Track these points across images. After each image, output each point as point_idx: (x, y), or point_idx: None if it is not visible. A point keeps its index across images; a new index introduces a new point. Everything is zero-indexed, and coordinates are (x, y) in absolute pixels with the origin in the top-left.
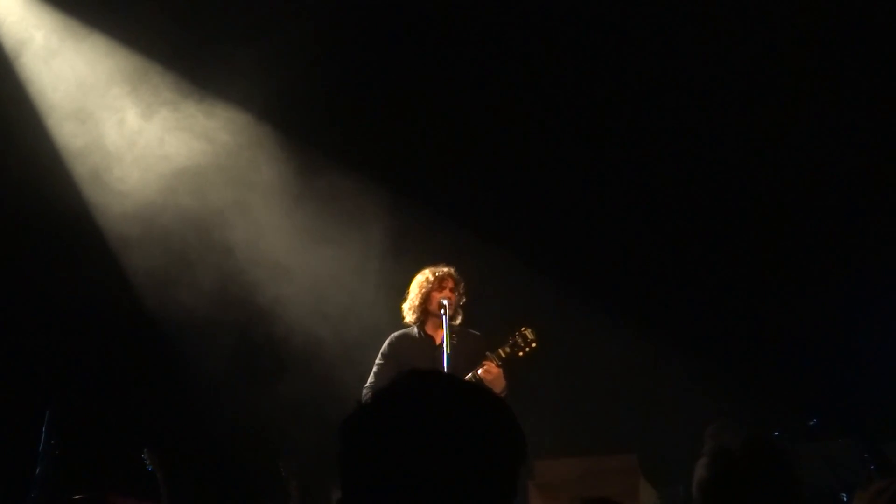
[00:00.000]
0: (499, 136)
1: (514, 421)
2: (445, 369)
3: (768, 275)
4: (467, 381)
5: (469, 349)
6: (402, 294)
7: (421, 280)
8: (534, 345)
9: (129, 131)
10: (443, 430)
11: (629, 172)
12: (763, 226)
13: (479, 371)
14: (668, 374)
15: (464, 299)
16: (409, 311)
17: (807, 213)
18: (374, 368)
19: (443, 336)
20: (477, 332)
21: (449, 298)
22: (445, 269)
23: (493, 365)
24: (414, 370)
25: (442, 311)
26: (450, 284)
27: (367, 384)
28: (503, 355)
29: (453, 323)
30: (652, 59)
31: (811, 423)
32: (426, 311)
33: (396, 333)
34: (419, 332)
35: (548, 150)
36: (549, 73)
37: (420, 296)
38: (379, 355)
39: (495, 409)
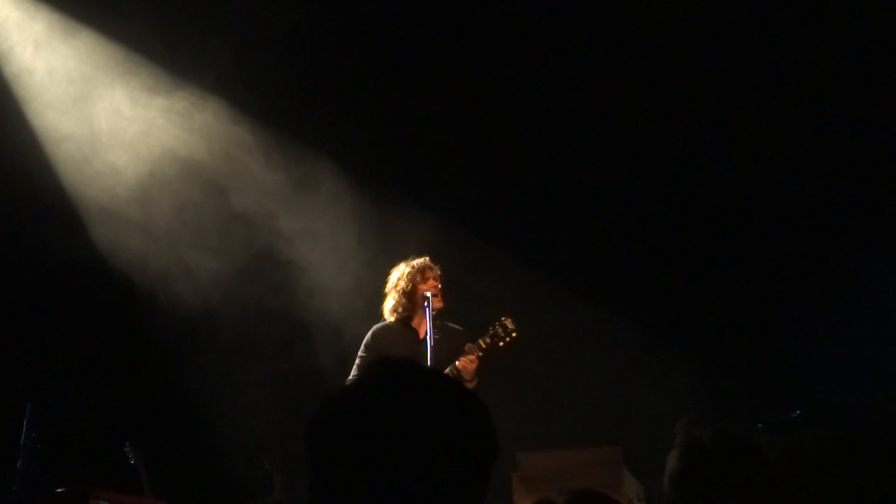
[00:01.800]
0: (480, 124)
1: (489, 419)
2: (428, 363)
3: (753, 267)
4: (441, 374)
5: (451, 344)
6: (379, 283)
7: (402, 275)
8: (514, 335)
9: (117, 120)
10: (412, 426)
11: (614, 161)
12: (748, 219)
13: (458, 364)
14: (651, 366)
15: (440, 285)
16: (392, 312)
17: (790, 207)
18: (357, 361)
19: (426, 329)
20: (458, 327)
21: (434, 288)
22: (423, 260)
23: (472, 358)
24: (385, 359)
25: (426, 304)
26: (432, 274)
27: (350, 377)
28: (483, 346)
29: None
30: (642, 49)
31: (794, 414)
32: (414, 305)
33: (379, 325)
34: (402, 326)
35: (529, 137)
36: (530, 60)
37: (404, 291)
38: (362, 347)
39: (469, 406)
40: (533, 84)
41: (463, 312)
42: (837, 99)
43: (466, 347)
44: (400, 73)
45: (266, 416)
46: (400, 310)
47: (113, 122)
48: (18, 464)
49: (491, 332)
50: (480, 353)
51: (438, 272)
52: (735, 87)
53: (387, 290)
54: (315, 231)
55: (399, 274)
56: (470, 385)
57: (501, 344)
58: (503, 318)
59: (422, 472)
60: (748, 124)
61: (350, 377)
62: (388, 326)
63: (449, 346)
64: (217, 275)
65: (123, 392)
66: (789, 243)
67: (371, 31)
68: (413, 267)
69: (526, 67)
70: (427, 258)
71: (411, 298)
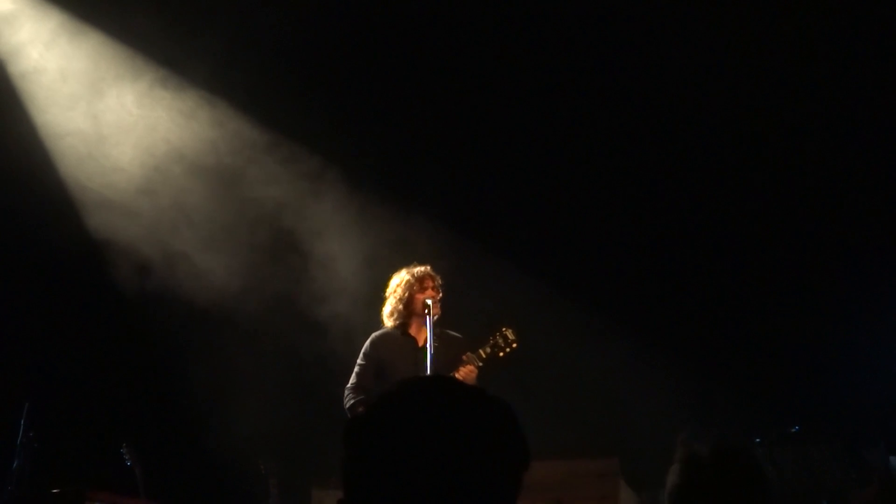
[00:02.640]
0: (482, 130)
1: (519, 428)
2: (428, 371)
3: (751, 281)
4: (472, 386)
5: (450, 352)
6: (378, 291)
7: (400, 282)
8: (514, 345)
9: (123, 117)
10: (446, 437)
11: (615, 173)
12: (746, 232)
13: (458, 374)
14: (650, 378)
15: (440, 294)
16: (389, 317)
17: (790, 220)
18: (356, 368)
19: (426, 337)
20: (458, 335)
21: (433, 297)
22: (423, 269)
23: (472, 368)
24: (418, 376)
25: (426, 311)
26: (431, 283)
27: (349, 385)
28: (483, 356)
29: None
30: (643, 55)
31: (793, 429)
32: (410, 313)
33: (378, 333)
34: (401, 333)
35: (531, 145)
36: (531, 66)
37: (402, 299)
38: (360, 355)
39: (500, 416)
40: (537, 89)
41: (463, 321)
42: (840, 111)
43: (466, 357)
44: (408, 81)
45: (263, 420)
46: (395, 315)
47: (118, 119)
48: (15, 463)
49: (491, 341)
50: (480, 363)
51: (439, 281)
52: (734, 95)
53: (386, 294)
54: (320, 233)
55: (398, 280)
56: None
57: (502, 354)
58: (504, 329)
59: (456, 477)
60: (748, 134)
61: (349, 384)
62: (387, 334)
63: (448, 354)
64: (219, 275)
65: (122, 393)
66: (789, 257)
67: (380, 35)
68: (413, 276)
69: (532, 78)
70: (427, 267)
71: (407, 307)
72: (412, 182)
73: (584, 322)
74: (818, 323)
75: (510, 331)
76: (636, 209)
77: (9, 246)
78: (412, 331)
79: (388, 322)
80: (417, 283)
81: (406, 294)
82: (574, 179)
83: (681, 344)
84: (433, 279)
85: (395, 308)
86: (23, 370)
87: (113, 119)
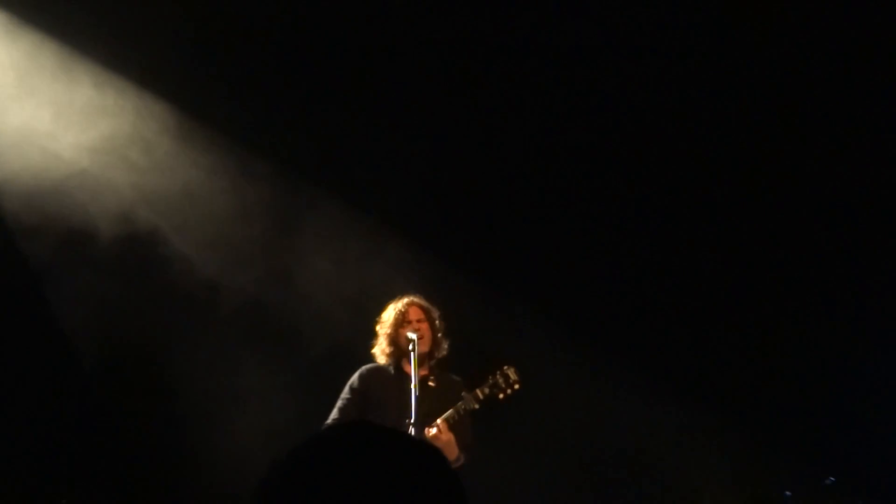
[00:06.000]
0: (488, 162)
1: (453, 474)
2: (413, 410)
3: (786, 326)
4: (402, 435)
5: (449, 395)
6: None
7: (385, 317)
8: (516, 386)
9: (59, 117)
10: (362, 494)
11: (623, 209)
12: (775, 273)
13: (432, 432)
14: (678, 428)
15: (440, 333)
16: (380, 355)
17: (817, 258)
18: (339, 403)
19: (420, 374)
20: (458, 378)
21: (418, 330)
22: (407, 300)
23: (444, 429)
24: (339, 425)
25: (411, 347)
26: (416, 315)
27: (329, 421)
28: (481, 396)
29: (426, 357)
30: (636, 71)
31: (827, 481)
32: (398, 349)
33: (369, 367)
34: (395, 369)
35: (542, 178)
36: (521, 88)
37: (387, 337)
38: (346, 388)
39: (433, 472)
40: (550, 130)
41: (460, 361)
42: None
43: (463, 396)
44: (383, 93)
45: (249, 468)
46: (383, 352)
47: (59, 112)
48: None
49: (491, 381)
50: (477, 405)
51: (429, 313)
52: (752, 118)
53: (376, 329)
54: (292, 269)
55: (386, 316)
56: (453, 455)
57: (502, 396)
58: (505, 368)
59: None
60: (771, 169)
61: (329, 419)
62: (378, 369)
63: (447, 397)
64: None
65: (61, 442)
66: (828, 300)
67: (374, 58)
68: (396, 310)
69: (522, 95)
70: (412, 298)
71: (394, 344)
72: (407, 210)
73: (607, 371)
74: (856, 370)
75: (512, 370)
76: (651, 247)
77: None
78: (406, 367)
79: (380, 359)
80: (400, 316)
81: (391, 329)
82: (590, 220)
83: (707, 392)
84: (422, 310)
85: (381, 346)
86: None
87: (54, 112)
